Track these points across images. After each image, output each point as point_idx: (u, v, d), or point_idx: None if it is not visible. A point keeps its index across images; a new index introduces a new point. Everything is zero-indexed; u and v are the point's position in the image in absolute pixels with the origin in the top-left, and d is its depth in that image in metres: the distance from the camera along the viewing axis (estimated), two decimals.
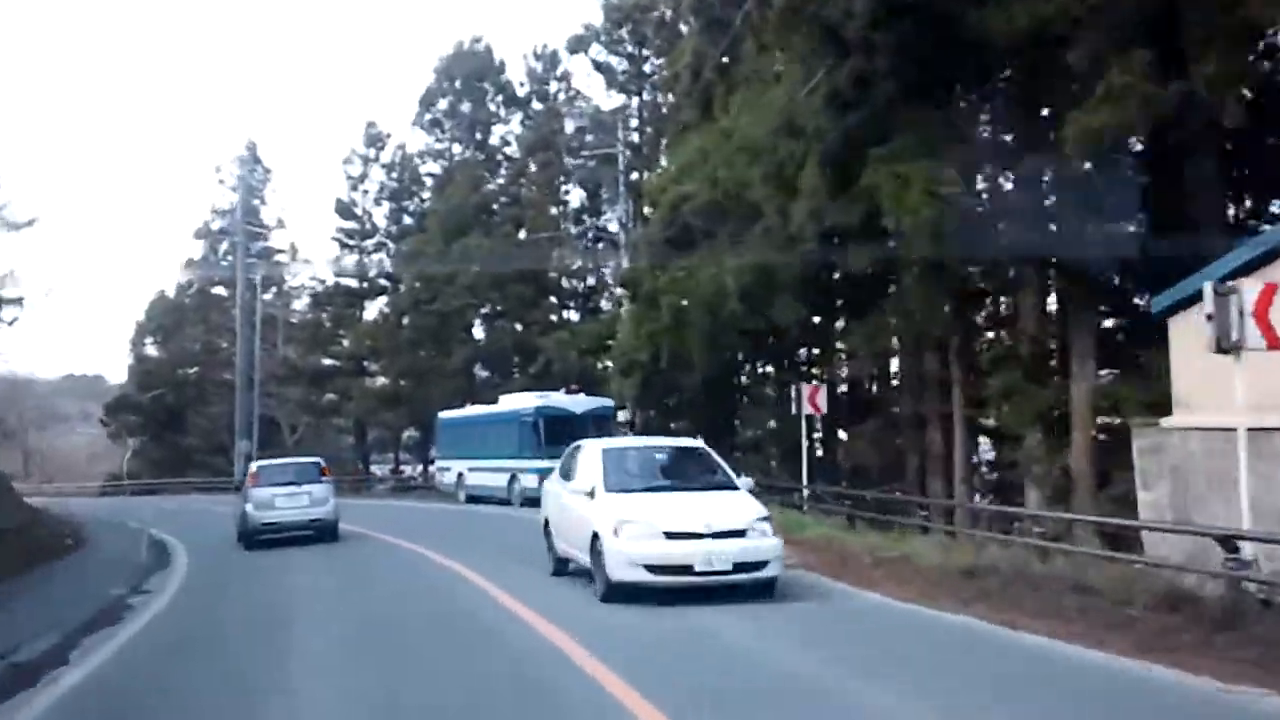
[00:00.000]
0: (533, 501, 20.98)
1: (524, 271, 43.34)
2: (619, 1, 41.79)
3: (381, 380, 51.18)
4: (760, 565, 10.64)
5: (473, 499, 32.17)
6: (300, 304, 59.36)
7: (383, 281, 53.93)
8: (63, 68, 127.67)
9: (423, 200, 53.04)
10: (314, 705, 7.40)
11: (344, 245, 55.15)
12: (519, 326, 46.43)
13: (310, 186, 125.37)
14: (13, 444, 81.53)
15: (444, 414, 37.51)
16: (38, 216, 39.70)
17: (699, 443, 14.27)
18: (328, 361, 54.91)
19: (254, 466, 20.24)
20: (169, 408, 62.59)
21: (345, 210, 54.42)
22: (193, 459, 60.44)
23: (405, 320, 49.05)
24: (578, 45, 44.78)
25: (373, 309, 54.81)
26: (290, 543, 18.58)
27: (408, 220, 53.37)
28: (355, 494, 40.38)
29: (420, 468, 51.29)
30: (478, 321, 47.90)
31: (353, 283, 54.80)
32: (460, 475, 33.85)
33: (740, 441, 31.99)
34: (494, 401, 34.25)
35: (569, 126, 47.50)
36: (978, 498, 23.86)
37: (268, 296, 59.08)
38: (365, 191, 54.21)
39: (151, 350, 65.39)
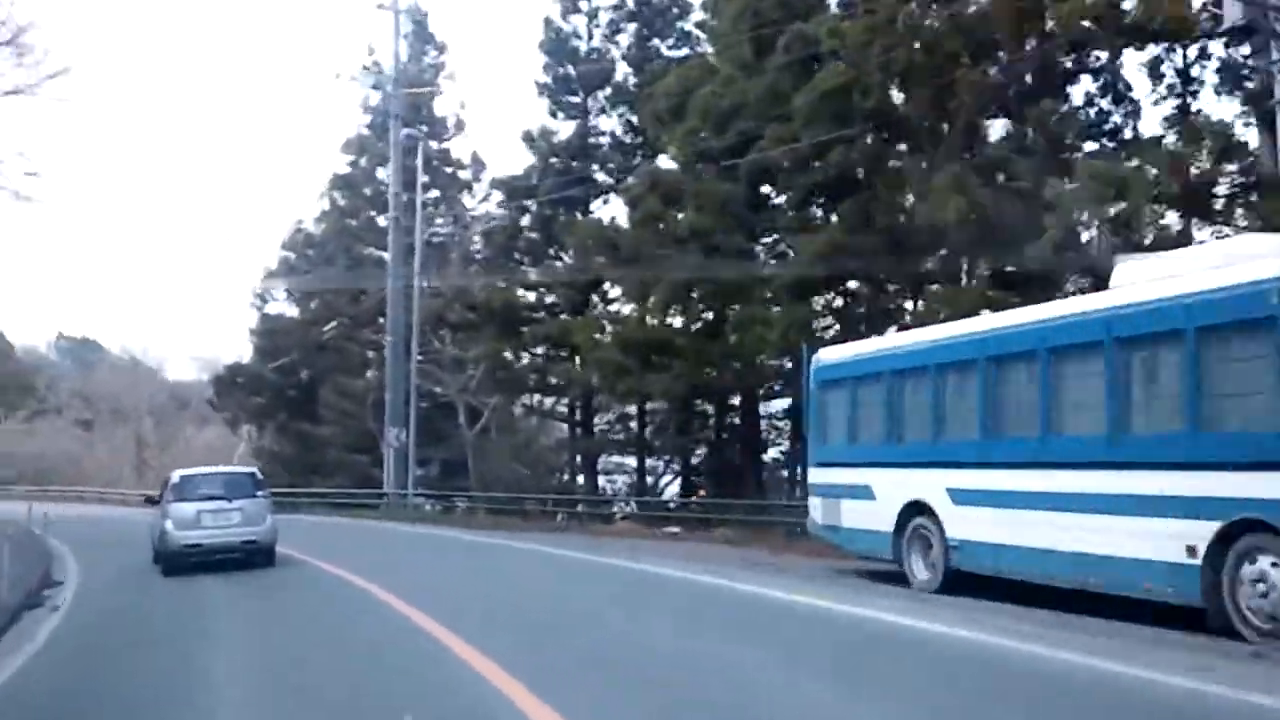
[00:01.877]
0: None
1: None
2: None
3: (632, 314, 28.76)
4: None
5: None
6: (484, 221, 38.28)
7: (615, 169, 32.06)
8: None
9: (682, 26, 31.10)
10: None
11: (556, 103, 33.40)
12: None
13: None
14: (126, 433, 65.76)
15: (855, 347, 14.80)
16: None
17: None
18: (529, 297, 33.28)
19: (175, 476, 16.69)
20: (299, 385, 42.84)
21: (560, 46, 32.92)
22: (326, 458, 40.27)
23: (677, 215, 26.50)
24: None
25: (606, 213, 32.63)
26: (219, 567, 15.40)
27: (667, 53, 31.28)
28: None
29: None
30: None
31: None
32: (923, 510, 12.29)
33: None
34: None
35: None
36: None
37: (439, 223, 38.48)
38: (592, 14, 32.55)
39: (280, 306, 46.08)
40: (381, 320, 36.62)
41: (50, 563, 16.83)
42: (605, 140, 33.16)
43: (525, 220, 33.04)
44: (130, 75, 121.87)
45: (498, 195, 36.21)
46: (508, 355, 32.29)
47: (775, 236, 25.39)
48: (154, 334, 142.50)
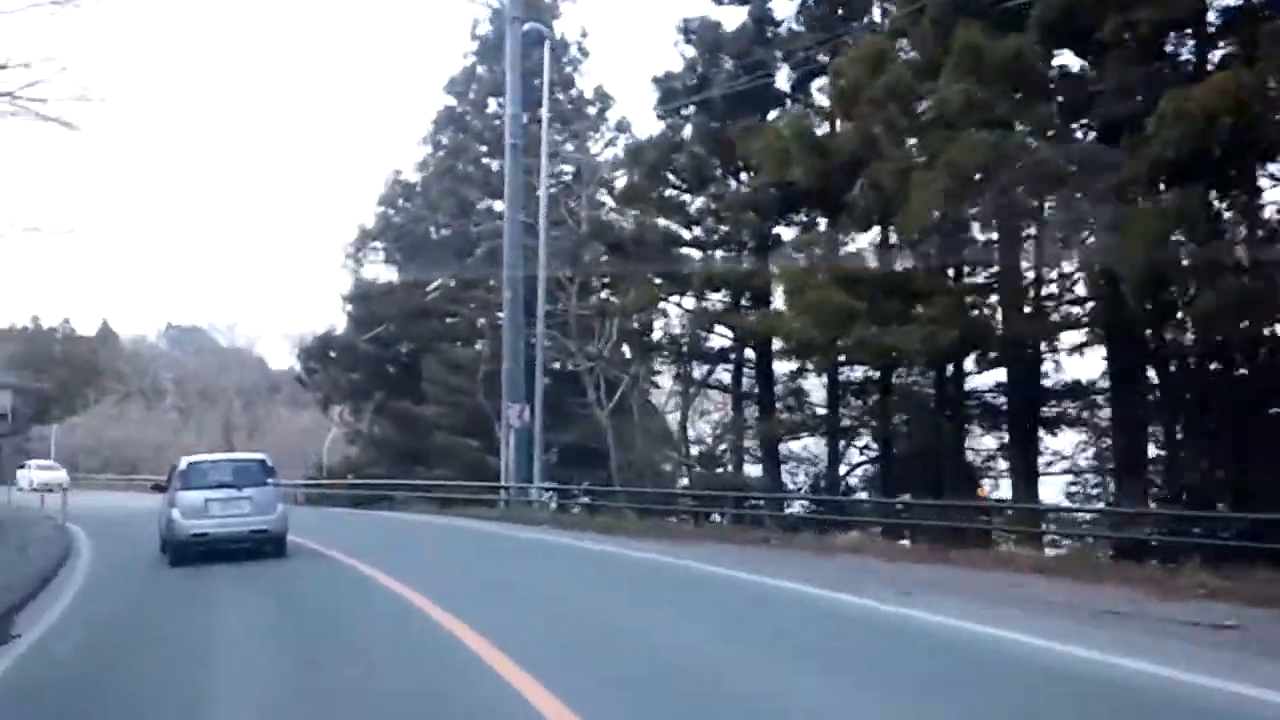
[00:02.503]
0: None
1: None
2: None
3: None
4: None
5: None
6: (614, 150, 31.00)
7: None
8: None
9: None
10: None
11: None
12: None
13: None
14: (215, 418, 60.76)
15: None
16: None
17: None
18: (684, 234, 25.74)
19: (182, 463, 15.97)
20: (399, 359, 36.30)
21: None
22: (431, 443, 33.53)
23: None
24: None
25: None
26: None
27: None
28: None
29: None
30: None
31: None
32: None
33: None
34: None
35: None
36: None
37: (569, 150, 31.33)
38: None
39: (376, 270, 39.58)
40: (493, 285, 29.74)
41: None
42: (784, 31, 25.34)
43: (686, 133, 25.38)
44: (217, 35, 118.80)
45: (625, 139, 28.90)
46: (664, 305, 24.76)
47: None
48: (249, 315, 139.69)
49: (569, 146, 31.80)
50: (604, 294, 27.77)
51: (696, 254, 25.99)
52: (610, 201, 29.62)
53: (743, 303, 24.31)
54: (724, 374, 29.00)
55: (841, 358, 21.05)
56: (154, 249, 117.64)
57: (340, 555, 15.11)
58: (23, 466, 47.22)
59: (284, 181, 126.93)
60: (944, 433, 21.49)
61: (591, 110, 35.95)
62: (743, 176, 24.28)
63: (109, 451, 60.25)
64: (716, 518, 22.79)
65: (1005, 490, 20.94)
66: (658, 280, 24.43)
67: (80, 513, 24.17)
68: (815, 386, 26.71)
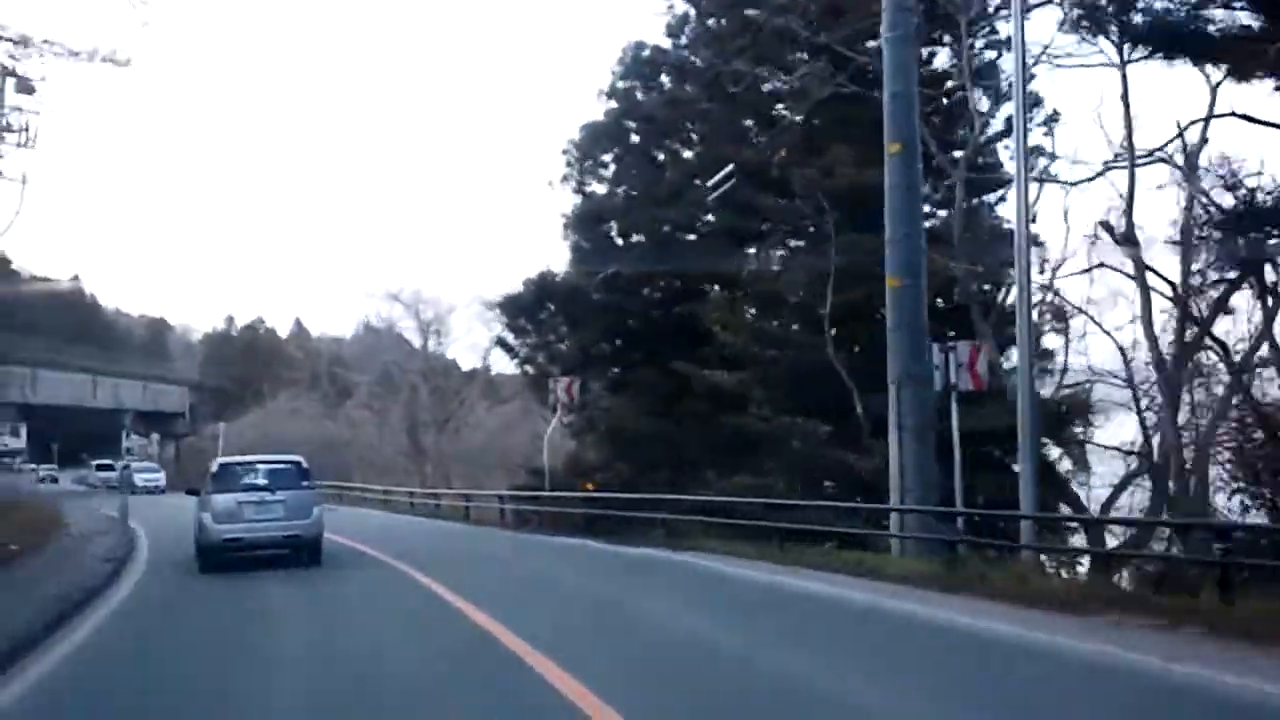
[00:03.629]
0: None
1: None
2: None
3: None
4: None
5: None
6: None
7: None
8: None
9: None
10: None
11: None
12: None
13: None
14: (398, 413, 50.57)
15: None
16: None
17: None
18: None
19: (215, 465, 15.79)
20: (658, 305, 23.74)
21: None
22: (718, 432, 20.50)
23: None
24: None
25: None
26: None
27: None
28: None
29: None
30: None
31: None
32: None
33: None
34: None
35: None
36: None
37: None
38: None
39: (599, 185, 27.21)
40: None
41: None
42: None
43: None
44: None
45: None
46: None
47: None
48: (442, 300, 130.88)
49: None
50: None
51: None
52: None
53: None
54: None
55: None
56: (346, 246, 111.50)
57: None
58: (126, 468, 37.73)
59: (465, 142, 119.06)
60: None
61: None
62: None
63: (286, 449, 51.14)
64: None
65: None
66: None
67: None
68: None
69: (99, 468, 59.82)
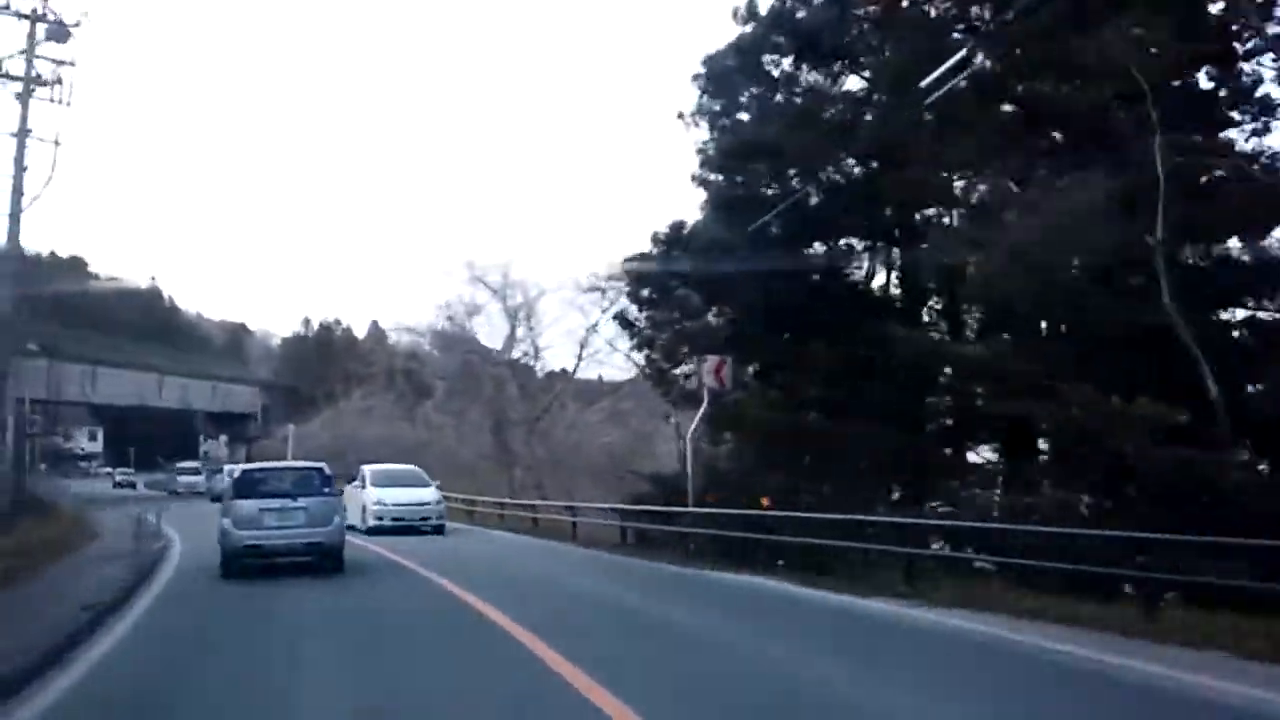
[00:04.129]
0: None
1: None
2: None
3: None
4: None
5: None
6: None
7: None
8: None
9: None
10: None
11: None
12: None
13: None
14: (480, 413, 45.45)
15: None
16: None
17: None
18: None
19: (236, 471, 16.52)
20: (805, 267, 17.87)
21: None
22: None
23: None
24: None
25: None
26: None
27: None
28: None
29: None
30: None
31: None
32: None
33: None
34: None
35: None
36: None
37: None
38: None
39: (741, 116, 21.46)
40: None
41: None
42: None
43: None
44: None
45: None
46: None
47: None
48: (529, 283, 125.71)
49: None
50: None
51: None
52: None
53: None
54: None
55: None
56: (426, 238, 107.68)
57: None
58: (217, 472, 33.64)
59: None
60: None
61: None
62: None
63: (357, 451, 46.19)
64: None
65: None
66: None
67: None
68: None
69: (181, 471, 56.41)
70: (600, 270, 34.01)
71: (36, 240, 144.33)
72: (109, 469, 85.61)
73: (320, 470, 15.09)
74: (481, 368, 44.53)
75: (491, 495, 32.14)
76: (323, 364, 69.70)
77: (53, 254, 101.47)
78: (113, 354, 48.31)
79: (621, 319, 22.73)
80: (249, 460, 60.04)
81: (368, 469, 24.62)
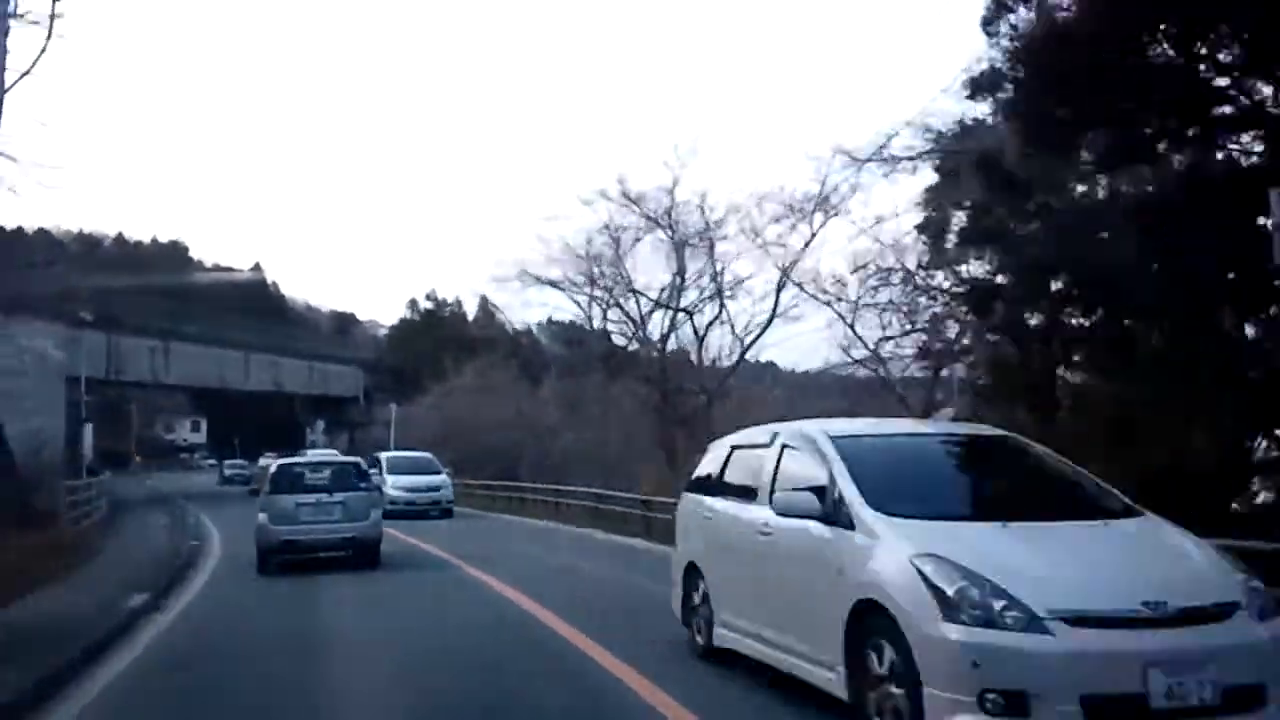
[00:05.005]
0: None
1: None
2: None
3: None
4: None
5: None
6: None
7: None
8: None
9: None
10: None
11: None
12: None
13: None
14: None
15: None
16: None
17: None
18: None
19: (273, 466, 16.23)
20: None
21: None
22: None
23: None
24: None
25: None
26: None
27: None
28: None
29: None
30: None
31: None
32: None
33: None
34: None
35: None
36: None
37: None
38: None
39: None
40: None
41: None
42: None
43: None
44: None
45: None
46: None
47: None
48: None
49: None
50: None
51: None
52: None
53: None
54: None
55: None
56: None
57: None
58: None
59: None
60: None
61: None
62: None
63: (465, 442, 38.08)
64: None
65: None
66: None
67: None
68: None
69: (233, 468, 50.68)
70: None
71: (137, 226, 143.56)
72: (212, 460, 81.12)
73: (357, 465, 15.36)
74: (631, 333, 35.17)
75: (628, 492, 23.04)
76: (431, 343, 62.34)
77: (154, 239, 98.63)
78: (182, 327, 41.12)
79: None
80: (351, 448, 53.07)
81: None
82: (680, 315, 31.27)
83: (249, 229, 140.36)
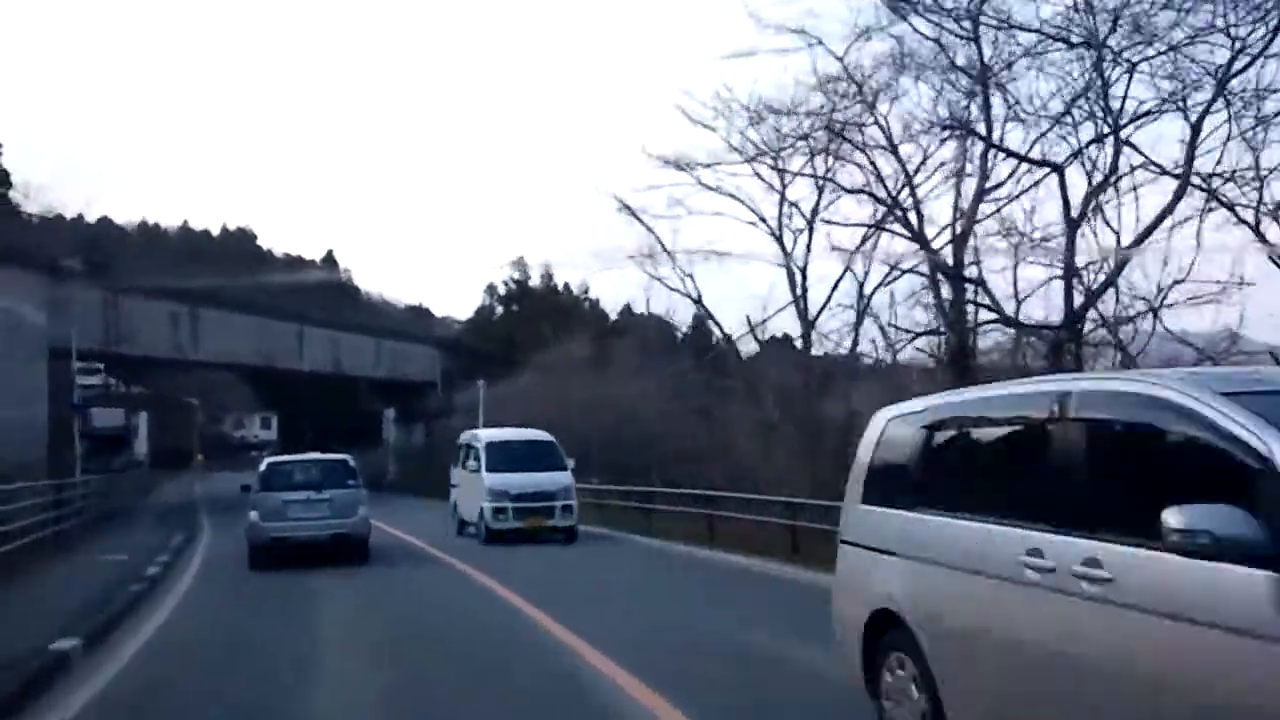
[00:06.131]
0: None
1: None
2: None
3: None
4: None
5: None
6: None
7: None
8: None
9: None
10: None
11: None
12: None
13: None
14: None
15: None
16: None
17: None
18: None
19: (263, 464, 16.53)
20: None
21: None
22: None
23: None
24: None
25: None
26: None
27: None
28: None
29: None
30: None
31: None
32: None
33: None
34: None
35: None
36: None
37: None
38: None
39: None
40: None
41: None
42: None
43: None
44: None
45: None
46: None
47: None
48: None
49: None
50: None
51: None
52: None
53: None
54: None
55: None
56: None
57: None
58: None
59: None
60: None
61: None
62: None
63: (576, 438, 28.52)
64: None
65: None
66: None
67: None
68: None
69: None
70: None
71: (204, 215, 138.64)
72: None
73: (345, 462, 15.76)
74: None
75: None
76: (520, 318, 53.08)
77: (223, 228, 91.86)
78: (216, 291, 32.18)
79: None
80: (429, 442, 44.26)
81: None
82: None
83: (322, 220, 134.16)
